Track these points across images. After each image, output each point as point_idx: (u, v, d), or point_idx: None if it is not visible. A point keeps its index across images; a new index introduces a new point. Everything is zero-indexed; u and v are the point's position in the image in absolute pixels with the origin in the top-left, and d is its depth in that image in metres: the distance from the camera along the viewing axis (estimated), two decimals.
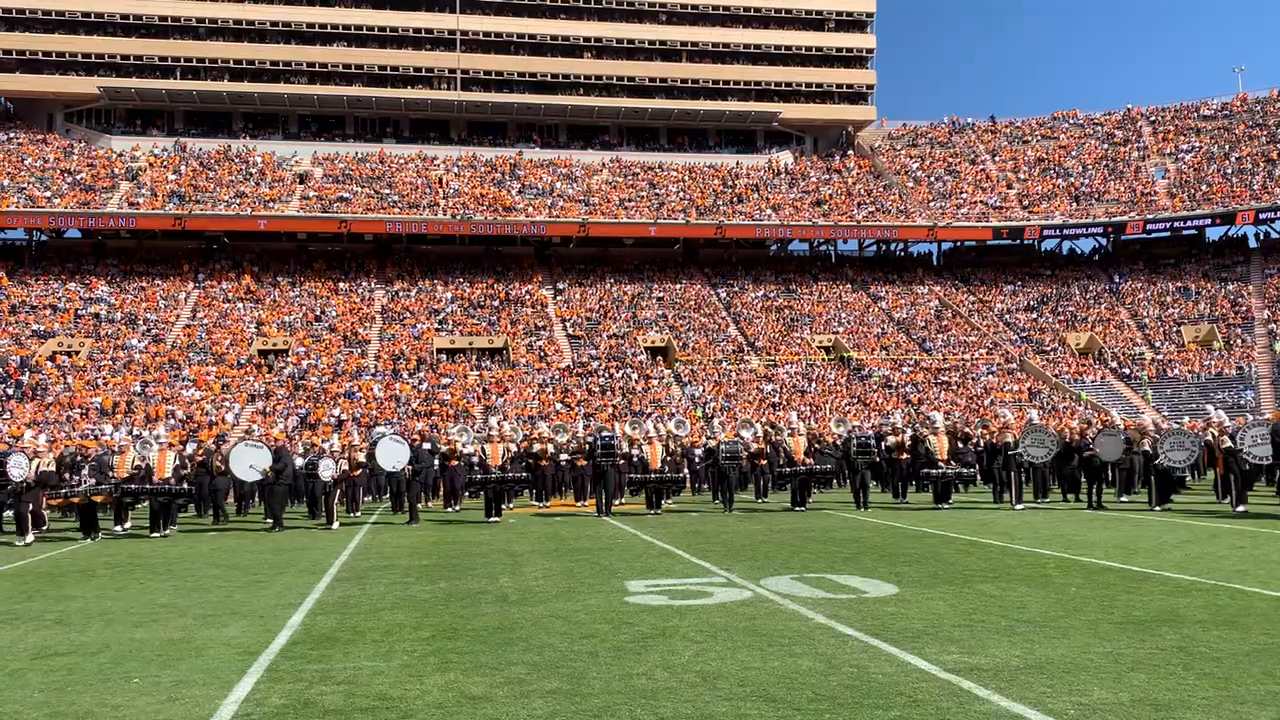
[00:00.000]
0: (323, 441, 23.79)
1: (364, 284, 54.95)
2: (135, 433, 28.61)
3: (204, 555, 13.48)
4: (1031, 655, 6.29)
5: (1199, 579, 9.26)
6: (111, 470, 17.21)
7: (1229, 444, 17.59)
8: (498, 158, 62.74)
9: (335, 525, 17.51)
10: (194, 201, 53.76)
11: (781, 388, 46.03)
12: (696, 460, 24.41)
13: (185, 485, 17.41)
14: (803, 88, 67.48)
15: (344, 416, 39.24)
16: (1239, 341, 51.90)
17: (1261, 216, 57.40)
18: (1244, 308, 54.74)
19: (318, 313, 51.10)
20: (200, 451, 22.13)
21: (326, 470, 18.21)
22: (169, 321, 48.87)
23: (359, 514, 20.37)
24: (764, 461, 21.12)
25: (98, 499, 16.65)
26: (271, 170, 58.60)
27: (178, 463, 17.34)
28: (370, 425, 36.02)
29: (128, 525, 17.70)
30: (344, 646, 7.04)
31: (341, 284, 54.53)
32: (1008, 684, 5.58)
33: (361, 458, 20.20)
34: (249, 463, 17.77)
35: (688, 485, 25.00)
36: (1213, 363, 49.98)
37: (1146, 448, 18.59)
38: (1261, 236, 60.71)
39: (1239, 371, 48.66)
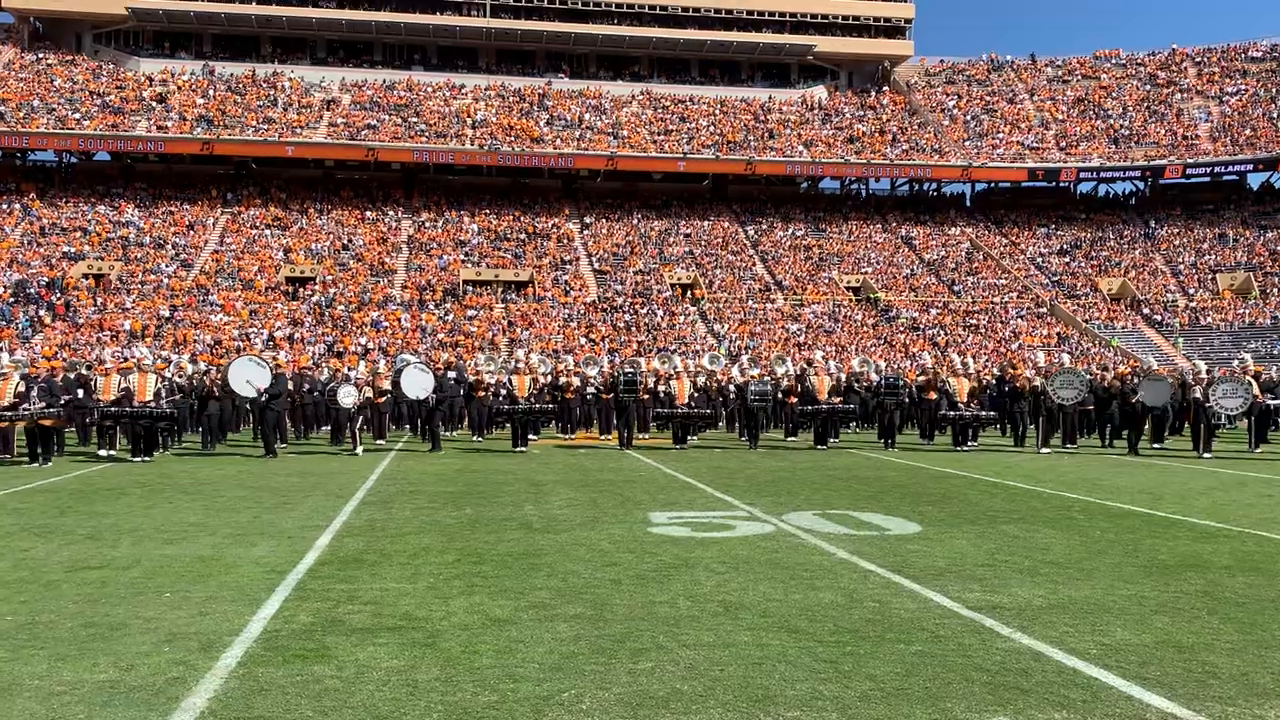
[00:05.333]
0: (345, 368, 23.84)
1: (391, 213, 54.88)
2: (164, 355, 28.89)
3: (232, 477, 13.68)
4: (1054, 595, 6.29)
5: (1225, 525, 9.21)
6: (93, 393, 16.79)
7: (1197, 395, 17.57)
8: (526, 87, 62.04)
9: (359, 451, 17.68)
10: (222, 126, 53.62)
11: (807, 328, 45.83)
12: (730, 396, 24.41)
13: (167, 409, 16.66)
14: (839, 20, 66.04)
15: (370, 345, 39.48)
16: (1276, 290, 51.05)
17: None
18: None
19: (345, 241, 51.15)
20: (198, 375, 21.73)
21: (347, 396, 18.27)
22: (197, 246, 49.09)
23: (384, 441, 20.56)
24: (793, 400, 21.07)
25: (45, 422, 15.77)
26: (299, 96, 58.26)
27: (159, 386, 16.71)
28: (396, 354, 36.23)
29: (114, 450, 17.11)
30: (371, 568, 7.13)
31: (368, 213, 54.48)
32: (1030, 623, 5.59)
33: (387, 385, 20.31)
34: (247, 378, 17.48)
35: (721, 421, 24.98)
36: (1247, 311, 49.25)
37: (1198, 394, 18.39)
38: None
39: (1274, 321, 47.94)
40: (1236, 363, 19.34)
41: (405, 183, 57.97)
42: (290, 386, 20.28)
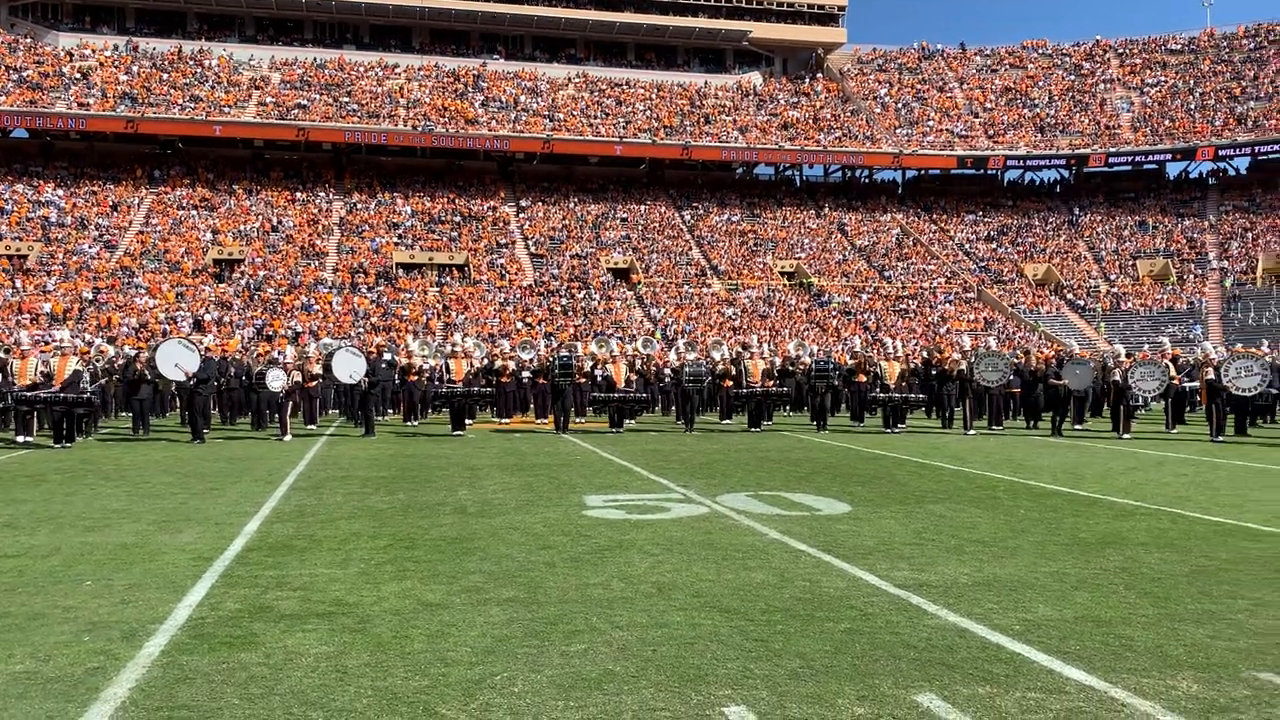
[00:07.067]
0: (273, 352, 23.37)
1: (322, 195, 53.92)
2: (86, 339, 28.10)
3: (158, 463, 13.36)
4: (980, 573, 6.43)
5: (1143, 504, 9.49)
6: (9, 377, 16.31)
7: (1212, 376, 17.94)
8: (460, 68, 61.32)
9: (288, 437, 17.38)
10: (146, 104, 52.12)
11: (743, 312, 46.13)
12: (666, 380, 24.51)
13: (88, 394, 16.16)
14: (774, 6, 66.36)
15: (301, 329, 38.82)
16: (1191, 276, 52.72)
17: (1221, 153, 57.90)
18: (1199, 244, 55.50)
19: (274, 223, 50.15)
20: (126, 358, 21.14)
21: (275, 380, 17.93)
22: (121, 227, 47.74)
23: (315, 426, 20.25)
24: (729, 383, 21.24)
25: None
26: (227, 74, 56.86)
27: (78, 368, 16.17)
28: (320, 341, 35.69)
29: (31, 437, 16.51)
30: (300, 554, 7.03)
31: (299, 194, 53.47)
32: (956, 600, 5.70)
33: (317, 369, 19.99)
34: (175, 361, 17.18)
35: (657, 405, 25.06)
36: (1165, 296, 50.79)
37: (1117, 377, 18.85)
38: (1220, 173, 61.32)
39: (1190, 306, 49.52)
40: (1149, 346, 19.91)
41: (336, 163, 56.98)
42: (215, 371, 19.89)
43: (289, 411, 18.18)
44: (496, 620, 5.24)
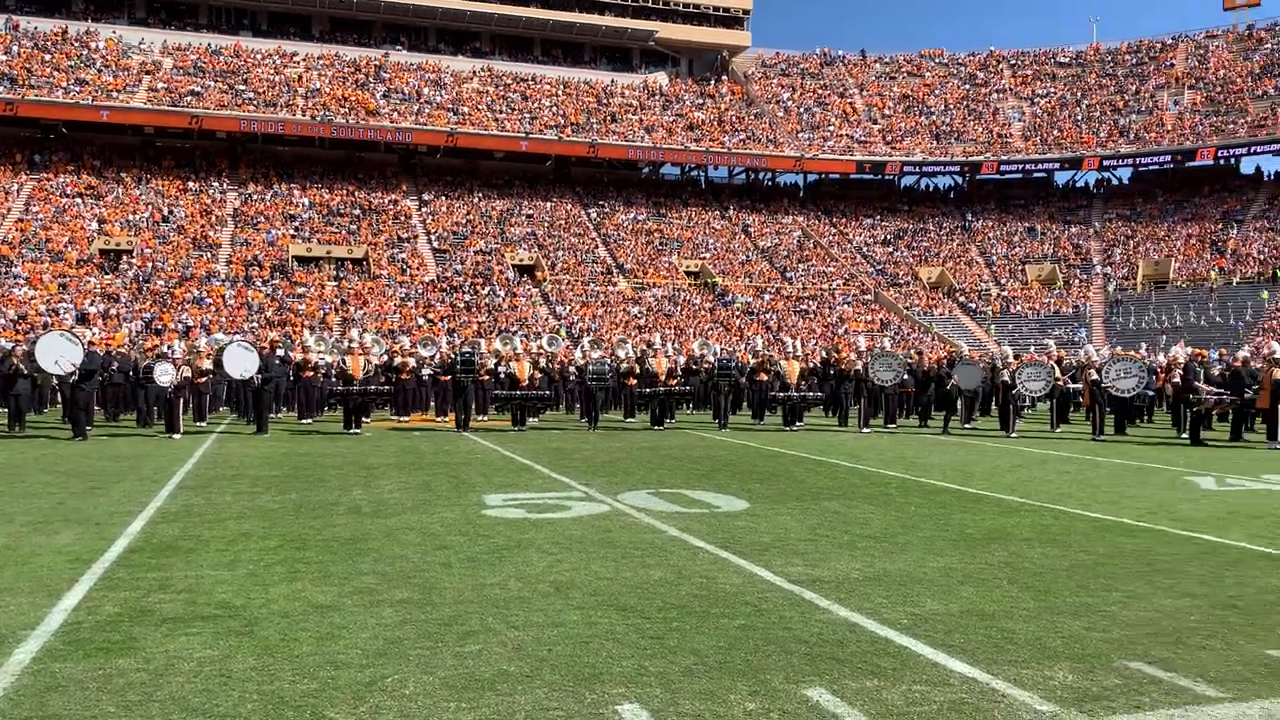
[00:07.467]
0: (162, 346, 22.56)
1: (215, 184, 52.22)
2: None
3: (35, 461, 12.79)
4: (871, 569, 6.57)
5: (1027, 500, 9.84)
6: None
7: (1095, 376, 18.66)
8: (362, 58, 60.08)
9: (178, 435, 16.80)
10: (27, 86, 49.74)
11: (648, 311, 46.32)
12: (571, 378, 24.45)
13: None
14: (680, 7, 66.83)
15: (192, 323, 37.57)
16: (1077, 281, 54.88)
17: (1105, 164, 60.50)
18: (1084, 250, 57.80)
19: (165, 212, 48.40)
20: (2, 351, 20.16)
21: (164, 375, 17.31)
22: None
23: (205, 423, 19.63)
24: (633, 381, 21.30)
25: None
26: (116, 58, 54.64)
27: None
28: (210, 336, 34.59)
29: None
30: (186, 555, 6.81)
31: (191, 183, 51.69)
32: (847, 595, 5.82)
33: (208, 364, 19.37)
34: (57, 355, 16.48)
35: (562, 403, 24.98)
36: (1052, 301, 52.76)
37: (1006, 378, 19.46)
38: (1104, 183, 63.97)
39: (1075, 310, 51.54)
40: (1035, 348, 20.68)
41: (231, 152, 55.27)
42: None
43: (179, 408, 17.58)
44: (389, 621, 5.16)
